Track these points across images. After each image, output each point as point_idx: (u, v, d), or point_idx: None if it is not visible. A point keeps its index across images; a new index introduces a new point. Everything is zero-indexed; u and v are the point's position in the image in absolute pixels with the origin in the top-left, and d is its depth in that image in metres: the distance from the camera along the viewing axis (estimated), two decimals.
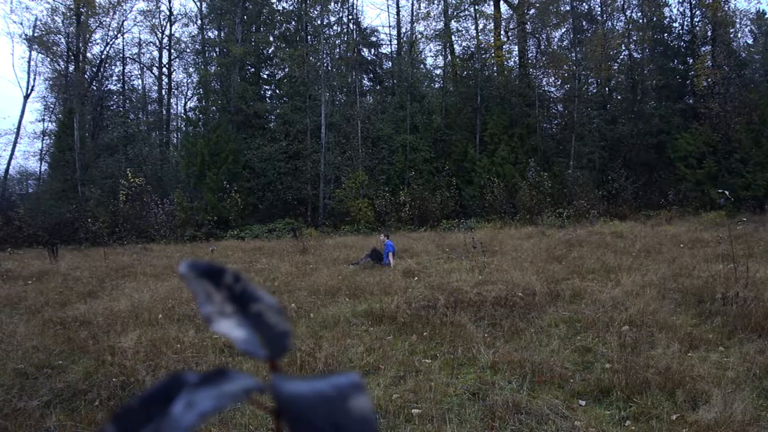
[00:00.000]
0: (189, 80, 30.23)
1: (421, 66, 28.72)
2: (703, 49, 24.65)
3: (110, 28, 27.44)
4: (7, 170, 26.68)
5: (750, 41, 29.92)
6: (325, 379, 0.34)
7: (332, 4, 26.29)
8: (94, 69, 27.67)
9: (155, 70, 30.26)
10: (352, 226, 21.45)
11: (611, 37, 25.41)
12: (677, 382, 3.42)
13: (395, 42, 28.93)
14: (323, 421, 0.31)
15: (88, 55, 27.32)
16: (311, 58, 25.00)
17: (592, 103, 25.50)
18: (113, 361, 4.21)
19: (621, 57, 26.83)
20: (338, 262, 10.68)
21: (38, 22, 25.78)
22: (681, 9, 25.93)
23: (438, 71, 29.27)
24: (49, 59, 26.75)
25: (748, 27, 28.99)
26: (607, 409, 3.29)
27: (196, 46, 27.76)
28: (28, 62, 26.67)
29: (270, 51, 26.99)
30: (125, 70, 30.19)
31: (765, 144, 20.89)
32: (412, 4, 27.75)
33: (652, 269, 7.73)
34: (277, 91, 27.19)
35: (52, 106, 29.02)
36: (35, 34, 25.83)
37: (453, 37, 27.22)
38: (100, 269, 10.51)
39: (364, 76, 28.97)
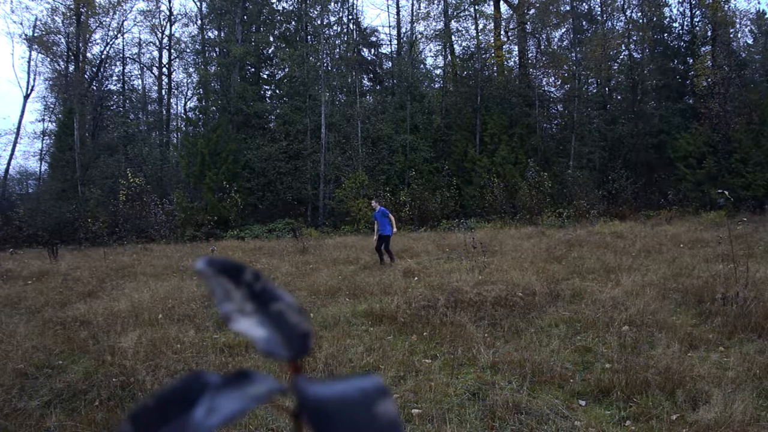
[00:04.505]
0: (189, 80, 30.17)
1: (421, 66, 28.72)
2: (703, 49, 24.66)
3: (110, 28, 27.42)
4: (7, 170, 26.69)
5: (750, 41, 29.91)
6: (349, 382, 0.34)
7: (332, 4, 26.29)
8: (94, 69, 27.64)
9: (155, 70, 30.23)
10: (352, 226, 21.45)
11: (611, 37, 25.39)
12: (677, 382, 3.42)
13: (395, 42, 28.92)
14: (349, 426, 0.30)
15: (88, 55, 27.30)
16: (311, 58, 24.99)
17: (592, 103, 25.49)
18: (113, 361, 4.21)
19: (621, 57, 26.82)
20: (338, 262, 10.68)
21: (38, 22, 25.75)
22: (681, 9, 26.00)
23: (438, 71, 29.28)
24: (49, 59, 26.74)
25: (748, 27, 28.97)
26: (607, 409, 3.29)
27: (196, 46, 27.70)
28: (28, 62, 26.68)
29: (270, 51, 26.98)
30: (125, 70, 30.18)
31: (765, 144, 20.90)
32: (412, 4, 27.76)
33: (652, 269, 7.73)
34: (277, 91, 27.18)
35: (52, 106, 28.98)
36: (35, 34, 25.80)
37: (453, 37, 27.19)
38: (100, 269, 10.50)
39: (364, 76, 28.95)
